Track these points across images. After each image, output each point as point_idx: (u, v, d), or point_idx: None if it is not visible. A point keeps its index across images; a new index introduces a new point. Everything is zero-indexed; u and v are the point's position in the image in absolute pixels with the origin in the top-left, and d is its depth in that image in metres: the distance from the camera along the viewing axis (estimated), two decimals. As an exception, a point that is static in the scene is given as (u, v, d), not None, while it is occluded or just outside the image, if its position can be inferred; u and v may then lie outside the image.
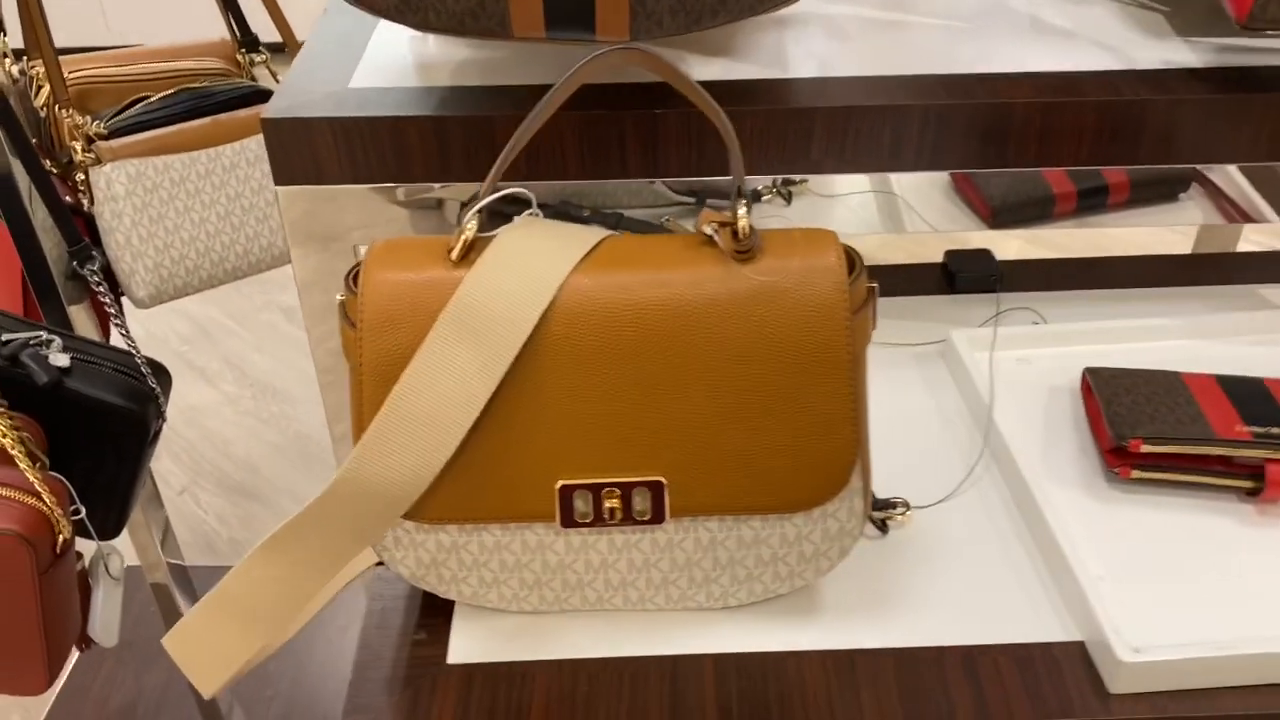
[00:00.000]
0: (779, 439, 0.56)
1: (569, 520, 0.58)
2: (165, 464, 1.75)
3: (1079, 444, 0.74)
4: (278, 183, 0.79)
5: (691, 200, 1.05)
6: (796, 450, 0.56)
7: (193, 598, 1.30)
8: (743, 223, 0.55)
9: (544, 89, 0.78)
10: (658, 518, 0.58)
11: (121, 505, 0.89)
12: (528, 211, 0.58)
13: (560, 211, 0.95)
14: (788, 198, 1.06)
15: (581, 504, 0.57)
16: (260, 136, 1.09)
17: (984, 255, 0.94)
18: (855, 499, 0.59)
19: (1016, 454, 0.71)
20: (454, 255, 0.55)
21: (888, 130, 0.78)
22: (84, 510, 0.79)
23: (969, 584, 0.65)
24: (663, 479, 0.57)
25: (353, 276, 0.57)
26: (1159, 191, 0.99)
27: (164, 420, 0.89)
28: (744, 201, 0.55)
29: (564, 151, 0.79)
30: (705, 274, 0.55)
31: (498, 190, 0.57)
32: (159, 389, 0.88)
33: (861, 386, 0.56)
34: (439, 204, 0.80)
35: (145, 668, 1.37)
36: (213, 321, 2.04)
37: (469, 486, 0.56)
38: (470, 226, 0.54)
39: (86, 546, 0.85)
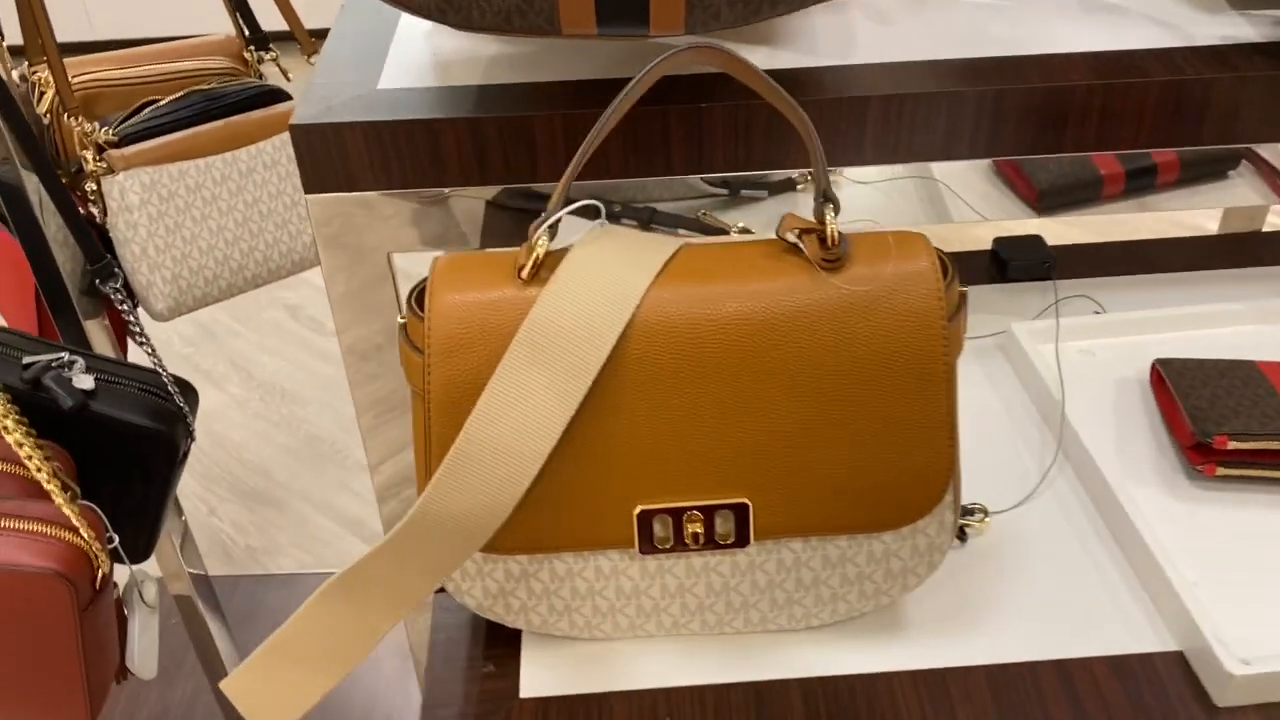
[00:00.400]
0: (871, 455, 0.53)
1: (648, 546, 0.55)
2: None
3: (1154, 440, 0.71)
4: (308, 191, 0.76)
5: (724, 192, 1.02)
6: (889, 467, 0.53)
7: (216, 609, 1.27)
8: (831, 229, 0.52)
9: (583, 85, 0.75)
10: (741, 541, 0.55)
11: (151, 528, 0.86)
12: (596, 221, 0.55)
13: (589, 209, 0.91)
14: (824, 186, 1.03)
15: (661, 529, 0.55)
16: (276, 139, 1.06)
17: (1036, 241, 0.91)
18: (946, 513, 0.57)
19: (1094, 453, 0.68)
20: (524, 274, 0.52)
21: (942, 118, 0.75)
22: (117, 538, 0.76)
23: (1055, 592, 0.63)
24: (747, 501, 0.54)
25: (416, 298, 0.54)
26: (1209, 170, 0.96)
27: (193, 439, 0.86)
28: (830, 205, 0.52)
29: (606, 150, 0.76)
30: (791, 284, 0.52)
31: (562, 205, 0.54)
32: (187, 408, 0.84)
33: (956, 397, 0.53)
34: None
35: (170, 682, 1.34)
36: (216, 322, 2.00)
37: (542, 515, 0.53)
38: (541, 243, 0.51)
39: (119, 573, 0.82)
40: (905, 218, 0.95)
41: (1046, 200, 0.93)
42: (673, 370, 0.51)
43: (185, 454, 0.85)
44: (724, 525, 0.54)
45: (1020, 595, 0.63)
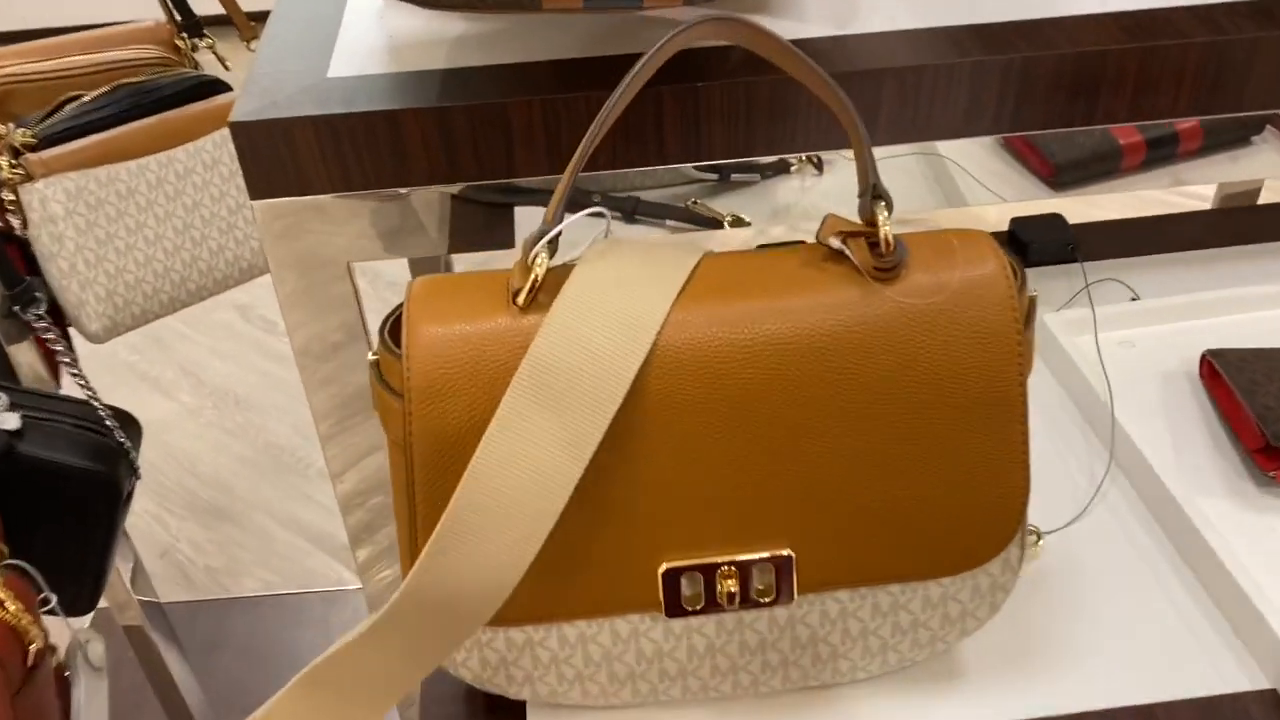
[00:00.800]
0: (934, 494, 0.45)
1: (676, 608, 0.47)
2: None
3: (1212, 442, 0.64)
4: (254, 196, 0.67)
5: (714, 177, 0.94)
6: (956, 505, 0.46)
7: (172, 639, 1.18)
8: (885, 231, 0.44)
9: (563, 66, 0.67)
10: (783, 597, 0.47)
11: (95, 580, 0.77)
12: (598, 233, 0.46)
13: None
14: (820, 167, 0.95)
15: (690, 588, 0.47)
16: (216, 135, 0.96)
17: (1056, 221, 0.84)
18: (1013, 549, 0.49)
19: (1151, 460, 0.61)
20: (521, 299, 0.43)
21: (964, 91, 0.68)
22: (54, 598, 0.67)
23: (1124, 625, 0.56)
24: (790, 551, 0.46)
25: (389, 329, 0.45)
26: (1232, 136, 0.89)
27: (138, 477, 0.76)
28: (882, 203, 0.44)
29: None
30: (838, 299, 0.44)
31: (558, 217, 0.45)
32: (129, 443, 0.75)
33: (1028, 421, 0.46)
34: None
35: (128, 723, 1.25)
36: (164, 327, 1.89)
37: (551, 579, 0.45)
38: (541, 261, 0.42)
39: (58, 628, 0.73)
40: (913, 200, 0.87)
41: (1063, 175, 0.86)
42: (702, 405, 0.43)
43: (129, 495, 0.76)
44: (763, 580, 0.47)
45: (1085, 630, 0.56)
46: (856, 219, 0.47)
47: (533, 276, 0.42)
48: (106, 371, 1.74)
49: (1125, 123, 0.72)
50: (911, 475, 0.45)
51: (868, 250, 0.44)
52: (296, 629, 1.37)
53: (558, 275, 0.44)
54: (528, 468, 0.41)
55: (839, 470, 0.45)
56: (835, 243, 0.45)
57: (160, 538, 1.53)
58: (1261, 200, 1.10)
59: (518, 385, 0.41)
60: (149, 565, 1.49)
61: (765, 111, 0.68)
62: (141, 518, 1.55)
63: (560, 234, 0.43)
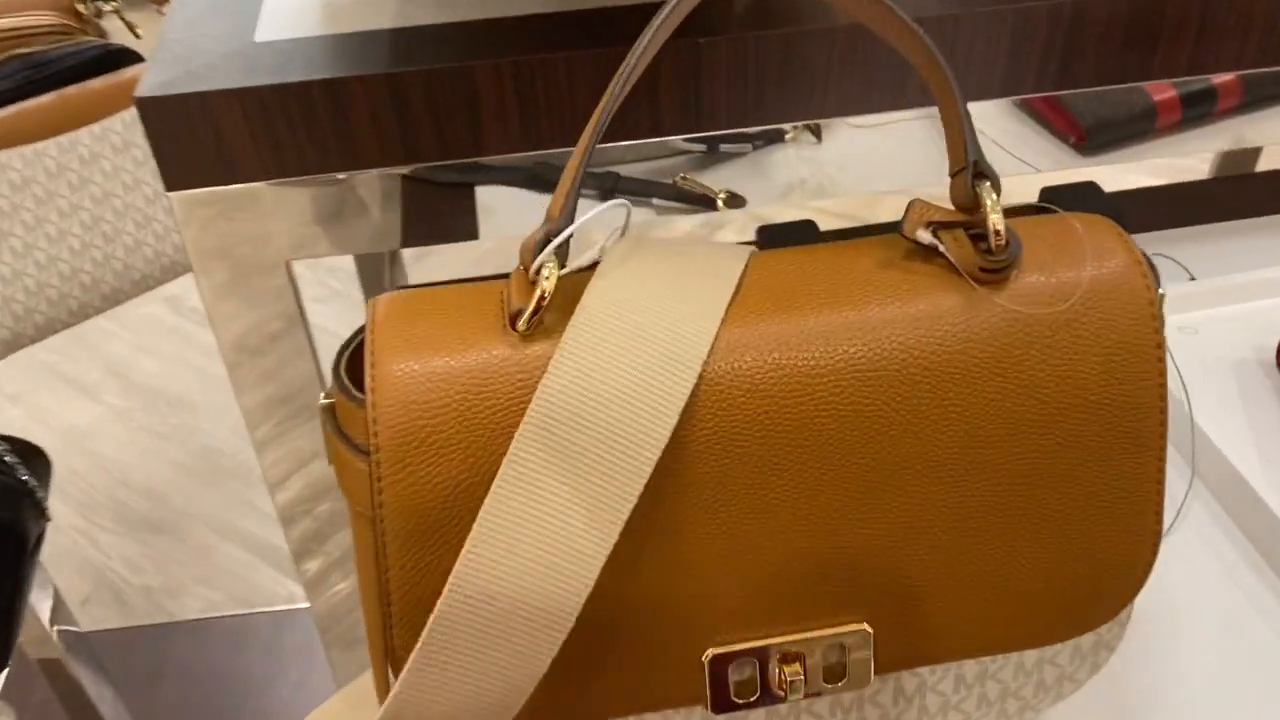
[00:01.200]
0: (1047, 548, 0.36)
1: (724, 703, 0.37)
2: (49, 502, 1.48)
3: (1300, 442, 0.56)
4: (169, 188, 0.57)
5: (702, 149, 0.84)
6: (1072, 559, 0.36)
7: (100, 671, 1.07)
8: (994, 220, 0.34)
9: (536, 22, 0.57)
10: (856, 681, 0.38)
11: (4, 637, 0.66)
12: (614, 230, 0.36)
13: (536, 177, 0.73)
14: (818, 134, 0.86)
15: (740, 674, 0.37)
16: (126, 114, 0.84)
17: (1091, 189, 0.74)
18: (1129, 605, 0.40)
19: (1240, 468, 0.52)
20: (522, 324, 0.33)
21: (1005, 44, 0.60)
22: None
23: (1230, 667, 0.47)
24: (868, 628, 0.36)
25: (345, 363, 0.34)
26: (1273, 91, 0.81)
27: (48, 519, 0.65)
28: (988, 184, 0.35)
29: (573, 108, 0.59)
30: (932, 309, 0.34)
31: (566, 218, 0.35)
32: (35, 481, 0.64)
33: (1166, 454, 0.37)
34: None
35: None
36: (86, 323, 1.75)
37: (571, 677, 0.35)
38: (549, 272, 0.32)
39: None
40: (925, 172, 0.78)
41: (1095, 138, 0.78)
42: (760, 452, 0.33)
43: (39, 542, 0.64)
44: (833, 661, 0.37)
45: (1187, 676, 0.47)
46: (913, 203, 0.37)
47: (538, 293, 0.32)
48: (22, 374, 1.61)
49: (1185, 76, 0.63)
50: (1020, 529, 0.35)
51: (970, 245, 0.35)
52: (244, 654, 1.26)
53: (567, 289, 0.33)
54: (541, 549, 0.31)
55: (932, 526, 0.35)
56: (925, 236, 0.35)
57: (90, 557, 1.41)
58: (1261, 167, 1.02)
59: (524, 438, 0.31)
60: (78, 589, 1.37)
61: (777, 72, 0.58)
62: (68, 534, 1.43)
63: (571, 236, 0.32)
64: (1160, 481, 0.36)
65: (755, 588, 0.35)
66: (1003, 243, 0.34)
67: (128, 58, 0.86)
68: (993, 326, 0.34)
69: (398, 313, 0.34)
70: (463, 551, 0.31)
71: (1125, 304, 0.35)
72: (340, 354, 0.35)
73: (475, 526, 0.31)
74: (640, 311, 0.32)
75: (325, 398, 0.34)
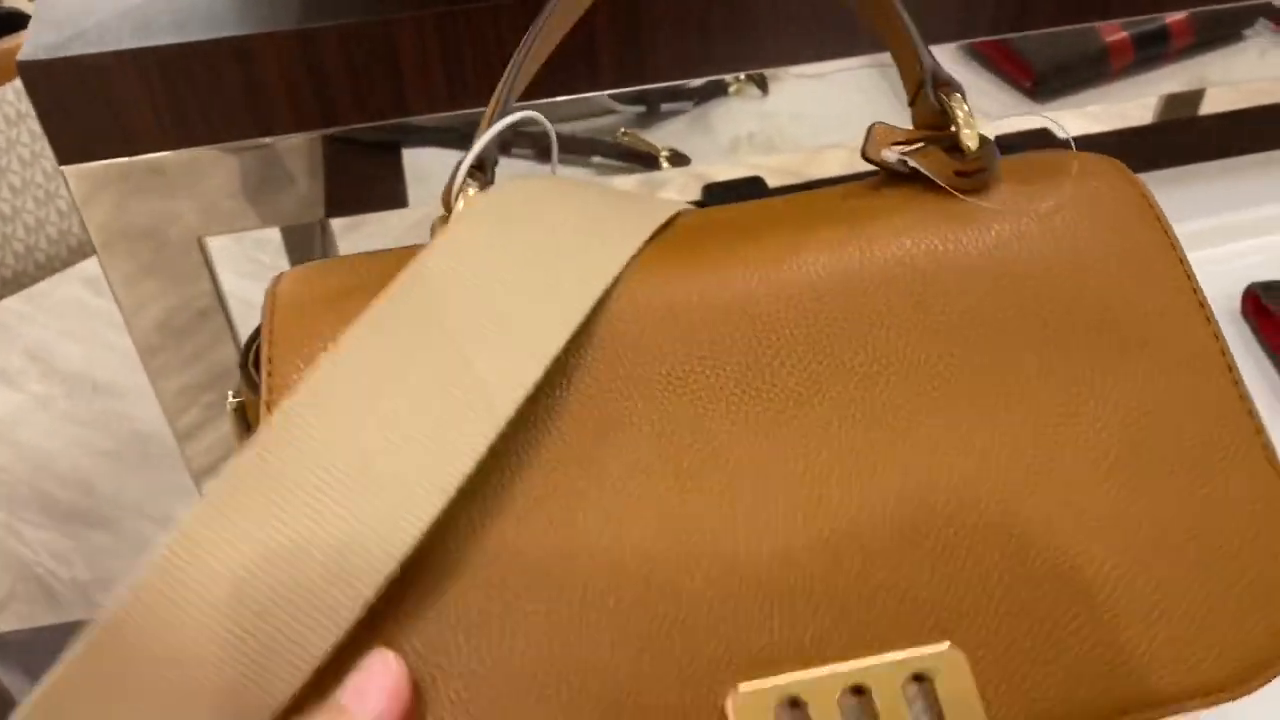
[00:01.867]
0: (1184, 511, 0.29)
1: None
2: (-30, 497, 1.43)
3: (1270, 390, 0.55)
4: (62, 161, 0.53)
5: (642, 108, 0.80)
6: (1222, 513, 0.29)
7: (24, 673, 1.02)
8: (964, 119, 0.31)
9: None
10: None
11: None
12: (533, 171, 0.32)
13: (469, 138, 0.69)
14: (763, 86, 0.82)
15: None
16: (19, 82, 0.78)
17: (1046, 138, 0.72)
18: None
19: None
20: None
21: (959, -17, 0.57)
22: None
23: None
24: (951, 648, 0.27)
25: (254, 358, 0.31)
26: (1224, 32, 0.80)
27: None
28: (952, 90, 0.32)
29: (503, 64, 0.55)
30: (913, 219, 0.30)
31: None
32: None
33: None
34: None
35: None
36: (3, 308, 1.69)
37: None
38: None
39: None
40: (874, 118, 0.75)
41: (1046, 83, 0.75)
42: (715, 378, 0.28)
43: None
44: (906, 706, 0.27)
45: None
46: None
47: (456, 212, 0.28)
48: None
49: (1144, 14, 0.61)
50: (1158, 488, 0.28)
51: (943, 154, 0.31)
52: (184, 645, 1.23)
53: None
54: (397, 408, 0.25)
55: (1040, 489, 0.28)
56: (891, 155, 0.31)
57: (15, 552, 1.36)
58: (1204, 110, 1.01)
59: (387, 303, 0.26)
60: (3, 586, 1.32)
61: (722, 19, 0.55)
62: (-9, 529, 1.37)
63: (490, 160, 0.29)
64: (1249, 413, 0.31)
65: (784, 599, 0.27)
66: (978, 148, 0.31)
67: (19, 20, 0.81)
68: (983, 227, 0.31)
69: (302, 290, 0.30)
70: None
71: (1122, 203, 0.32)
72: (248, 346, 0.31)
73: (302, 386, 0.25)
74: (546, 214, 0.28)
75: (234, 396, 0.31)
